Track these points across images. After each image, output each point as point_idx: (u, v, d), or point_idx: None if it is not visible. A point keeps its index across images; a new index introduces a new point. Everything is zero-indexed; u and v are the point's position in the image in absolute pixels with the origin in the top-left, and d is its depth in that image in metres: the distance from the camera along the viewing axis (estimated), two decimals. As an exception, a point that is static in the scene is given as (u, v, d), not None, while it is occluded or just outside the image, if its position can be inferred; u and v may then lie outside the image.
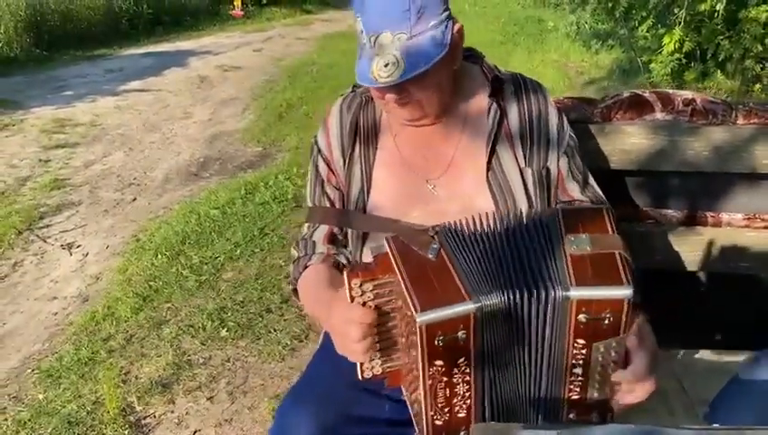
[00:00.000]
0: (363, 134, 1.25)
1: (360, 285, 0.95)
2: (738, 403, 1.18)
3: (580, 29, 7.76)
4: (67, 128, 5.87)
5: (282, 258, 3.16)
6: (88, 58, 9.43)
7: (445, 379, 0.91)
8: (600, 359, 0.94)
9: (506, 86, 1.24)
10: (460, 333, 0.87)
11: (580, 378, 0.96)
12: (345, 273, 0.96)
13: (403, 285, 0.89)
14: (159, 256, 3.27)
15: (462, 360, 0.90)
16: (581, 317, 0.90)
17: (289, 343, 2.49)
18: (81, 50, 9.74)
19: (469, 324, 0.87)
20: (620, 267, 0.91)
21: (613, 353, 0.94)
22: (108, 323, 2.73)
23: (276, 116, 6.21)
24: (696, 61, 5.13)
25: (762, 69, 4.58)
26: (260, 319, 2.67)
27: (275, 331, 2.58)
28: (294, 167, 4.54)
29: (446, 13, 1.10)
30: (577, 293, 0.89)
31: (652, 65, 5.28)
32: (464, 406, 0.94)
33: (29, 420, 2.19)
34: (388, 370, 1.01)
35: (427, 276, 0.90)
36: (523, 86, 1.26)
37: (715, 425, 1.00)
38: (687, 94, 1.52)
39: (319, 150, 1.30)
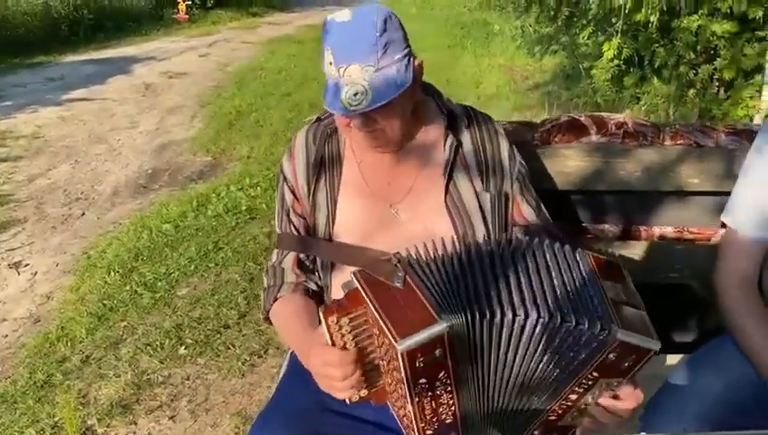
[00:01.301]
0: (328, 163, 1.32)
1: (337, 322, 1.01)
2: (671, 407, 1.29)
3: (525, 33, 7.96)
4: (8, 140, 5.72)
5: (237, 273, 3.18)
6: (27, 66, 9.16)
7: (429, 393, 0.99)
8: (597, 392, 1.04)
9: (460, 119, 1.34)
10: (437, 352, 0.94)
11: (567, 403, 1.05)
12: (320, 312, 1.02)
13: (378, 317, 0.96)
14: (112, 274, 3.24)
15: (443, 374, 0.98)
16: (612, 356, 0.99)
17: (248, 358, 2.52)
18: (19, 57, 9.44)
19: (444, 343, 0.94)
20: (649, 324, 1.01)
21: (609, 391, 1.04)
22: (62, 344, 2.70)
23: (226, 124, 6.17)
24: (635, 67, 5.35)
25: (695, 75, 4.81)
26: (218, 335, 2.69)
27: (234, 347, 2.60)
28: (247, 177, 4.54)
29: (408, 49, 1.20)
30: (623, 335, 0.97)
31: (593, 71, 5.48)
32: (449, 413, 1.02)
33: (-16, 448, 2.17)
34: (374, 390, 1.07)
35: (398, 304, 0.96)
36: (474, 118, 1.36)
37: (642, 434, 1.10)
38: (619, 117, 1.63)
39: (285, 178, 1.36)
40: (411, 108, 1.25)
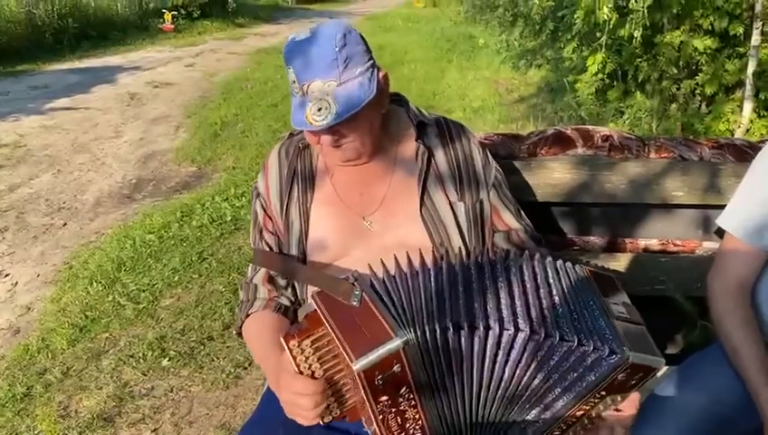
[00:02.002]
0: (300, 177, 1.32)
1: (299, 345, 1.01)
2: (656, 420, 1.29)
3: (510, 47, 8.04)
4: (-10, 149, 5.66)
5: (222, 284, 3.16)
6: (9, 74, 9.07)
7: (393, 409, 0.99)
8: (602, 408, 1.05)
9: (430, 129, 1.34)
10: (395, 368, 0.95)
11: (572, 419, 1.06)
12: (281, 338, 1.02)
13: (335, 338, 0.97)
14: (94, 284, 3.21)
15: (404, 389, 0.98)
16: (621, 376, 1.00)
17: (233, 370, 2.50)
18: (2, 65, 9.36)
19: (401, 358, 0.94)
20: (651, 340, 1.04)
21: (612, 405, 1.06)
22: (43, 355, 2.66)
23: (211, 134, 6.14)
24: (618, 81, 5.42)
25: (677, 89, 4.88)
26: (202, 347, 2.66)
27: (218, 359, 2.58)
28: (231, 187, 4.52)
29: (371, 61, 1.20)
30: (635, 359, 0.99)
31: (578, 85, 5.54)
32: (417, 427, 1.02)
33: (-39, 462, 2.12)
34: (346, 410, 1.07)
35: (355, 324, 0.97)
36: (446, 128, 1.36)
37: None
38: (605, 131, 1.65)
39: (258, 194, 1.36)
40: (380, 119, 1.26)
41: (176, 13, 14.81)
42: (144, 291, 3.13)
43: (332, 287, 1.03)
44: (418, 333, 0.95)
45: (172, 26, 14.17)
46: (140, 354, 2.62)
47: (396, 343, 0.93)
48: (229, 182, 4.68)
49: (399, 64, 9.65)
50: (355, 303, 0.99)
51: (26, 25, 10.97)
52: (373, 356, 0.92)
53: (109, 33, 12.51)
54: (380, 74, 1.21)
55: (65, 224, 4.14)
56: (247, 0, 20.78)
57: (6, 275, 3.44)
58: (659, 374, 1.62)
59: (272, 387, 1.18)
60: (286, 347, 1.02)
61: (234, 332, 1.37)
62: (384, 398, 0.97)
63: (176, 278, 3.25)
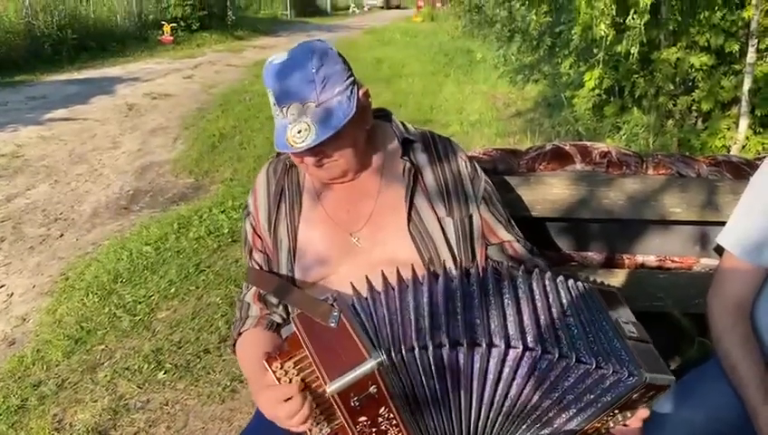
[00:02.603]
0: (288, 196, 1.33)
1: (282, 367, 1.02)
2: (654, 436, 1.29)
3: (508, 61, 8.09)
4: (-13, 159, 5.65)
5: (219, 296, 3.15)
6: (8, 85, 9.10)
7: (374, 429, 1.00)
8: (611, 424, 1.07)
9: (416, 144, 1.34)
10: (371, 389, 0.95)
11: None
12: (264, 360, 1.03)
13: (312, 360, 0.98)
14: (90, 296, 3.19)
15: (383, 410, 0.98)
16: (636, 396, 1.02)
17: (229, 384, 2.48)
18: (1, 76, 9.38)
19: (377, 379, 0.95)
20: (658, 355, 1.05)
21: (622, 422, 1.08)
22: (38, 367, 2.64)
23: (209, 146, 6.16)
24: (615, 97, 5.46)
25: (674, 105, 4.92)
26: (198, 360, 2.65)
27: (214, 372, 2.56)
28: (229, 199, 4.52)
29: (351, 79, 1.20)
30: (651, 379, 1.00)
31: (575, 100, 5.57)
32: None
33: (-46, 475, 2.10)
34: (336, 428, 1.06)
35: (332, 345, 0.98)
36: (432, 143, 1.36)
37: None
38: (603, 147, 1.66)
39: (248, 214, 1.37)
40: (364, 136, 1.26)
41: (175, 25, 14.89)
42: (140, 303, 3.12)
43: (312, 309, 1.04)
44: (401, 352, 0.95)
45: (171, 38, 14.25)
46: (136, 367, 2.61)
47: (369, 365, 0.93)
48: (227, 194, 4.69)
49: (397, 78, 9.71)
50: (333, 324, 0.99)
51: (25, 36, 11.02)
52: (347, 379, 0.93)
53: (108, 45, 12.58)
54: (361, 92, 1.22)
55: (62, 235, 4.13)
56: (247, 13, 20.91)
57: (2, 286, 3.42)
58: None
59: (256, 402, 1.19)
60: (269, 369, 1.03)
61: (229, 349, 1.37)
62: (363, 418, 0.98)
63: (172, 290, 3.24)
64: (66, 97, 8.29)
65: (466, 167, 1.34)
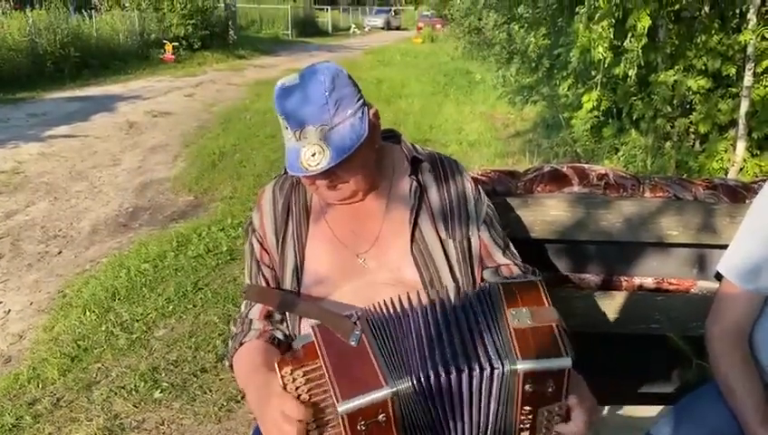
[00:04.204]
0: (295, 214, 1.33)
1: (291, 373, 1.00)
2: (652, 460, 1.28)
3: (506, 82, 8.15)
4: (-13, 176, 5.67)
5: (216, 315, 3.14)
6: (9, 101, 9.15)
7: None
8: (545, 422, 1.03)
9: (424, 165, 1.35)
10: (380, 417, 0.95)
11: None
12: (276, 363, 1.01)
13: (326, 375, 0.96)
14: (88, 313, 3.19)
15: None
16: (528, 387, 0.99)
17: (225, 403, 2.47)
18: (3, 92, 9.43)
19: (387, 408, 0.94)
20: (559, 340, 1.00)
21: (556, 416, 1.04)
22: (33, 385, 2.63)
23: (209, 164, 6.18)
24: (613, 118, 5.49)
25: (671, 127, 4.95)
26: (195, 379, 2.64)
27: (211, 391, 2.55)
28: (228, 217, 4.53)
29: (361, 101, 1.21)
30: (523, 366, 0.98)
31: (573, 121, 5.61)
32: None
33: (-54, 494, 2.08)
34: None
35: (349, 364, 0.97)
36: (440, 164, 1.36)
37: None
38: (601, 169, 1.67)
39: (254, 230, 1.36)
40: (373, 156, 1.27)
41: (177, 43, 15.01)
42: (138, 321, 3.12)
43: (334, 323, 1.03)
44: (412, 382, 0.96)
45: (173, 57, 14.36)
46: (132, 385, 2.59)
47: (384, 393, 0.93)
48: (226, 212, 4.70)
49: (397, 98, 9.77)
50: (353, 343, 0.99)
51: (28, 53, 11.11)
52: (359, 401, 0.93)
53: (110, 63, 12.68)
54: (371, 112, 1.23)
55: (60, 252, 4.13)
56: (248, 32, 21.08)
57: (0, 303, 3.42)
58: (654, 414, 1.62)
59: (252, 407, 1.16)
60: (278, 372, 1.01)
61: (226, 364, 1.35)
62: None
63: (170, 308, 3.23)
64: (67, 114, 8.33)
65: (471, 189, 1.35)
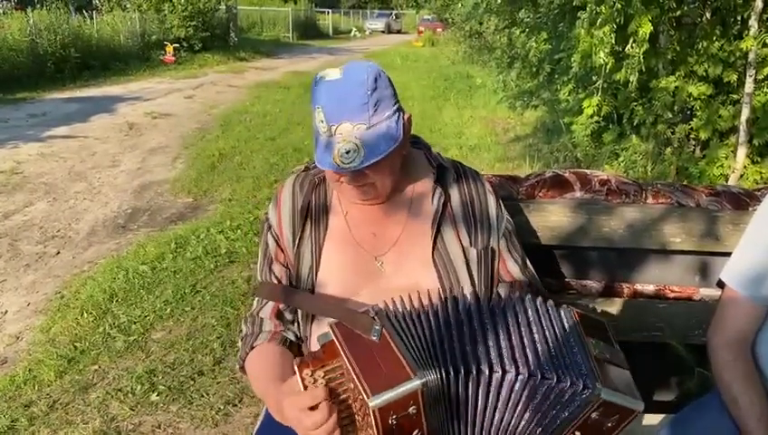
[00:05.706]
0: (314, 214, 1.31)
1: (312, 374, 0.99)
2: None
3: (507, 87, 8.15)
4: (-14, 175, 5.65)
5: (214, 317, 3.13)
6: (9, 102, 9.14)
7: None
8: None
9: (448, 173, 1.34)
10: (411, 409, 0.93)
11: None
12: (295, 365, 1.00)
13: (352, 371, 0.94)
14: (85, 315, 3.17)
15: (416, 432, 0.96)
16: (594, 415, 0.99)
17: (222, 407, 2.45)
18: (3, 92, 9.43)
19: (418, 399, 0.93)
20: (633, 383, 1.02)
21: None
22: (29, 387, 2.61)
23: (208, 166, 6.17)
24: (614, 124, 5.49)
25: (672, 133, 4.94)
26: (192, 382, 2.62)
27: (208, 394, 2.53)
28: (227, 219, 4.52)
29: (398, 105, 1.21)
30: (607, 395, 0.98)
31: (574, 126, 5.60)
32: None
33: (-60, 497, 2.06)
34: None
35: (374, 359, 0.95)
36: (462, 173, 1.37)
37: None
38: (603, 175, 1.66)
39: (270, 226, 1.35)
40: (400, 161, 1.26)
41: (177, 45, 15.01)
42: (135, 323, 3.10)
43: (352, 320, 1.03)
44: (437, 374, 0.95)
45: (173, 58, 14.36)
46: (129, 388, 2.58)
47: (415, 383, 0.92)
48: (225, 214, 4.68)
49: (397, 101, 9.76)
50: (375, 337, 0.97)
51: (29, 54, 11.11)
52: (391, 394, 0.91)
53: (110, 64, 12.68)
54: (405, 117, 1.22)
55: (58, 253, 4.12)
56: (249, 34, 21.10)
57: (-4, 304, 3.40)
58: (655, 422, 1.61)
59: (273, 413, 1.15)
60: (299, 375, 1.00)
61: (236, 365, 1.33)
62: None
63: (168, 310, 3.22)
64: (67, 115, 8.32)
65: (493, 201, 1.35)
